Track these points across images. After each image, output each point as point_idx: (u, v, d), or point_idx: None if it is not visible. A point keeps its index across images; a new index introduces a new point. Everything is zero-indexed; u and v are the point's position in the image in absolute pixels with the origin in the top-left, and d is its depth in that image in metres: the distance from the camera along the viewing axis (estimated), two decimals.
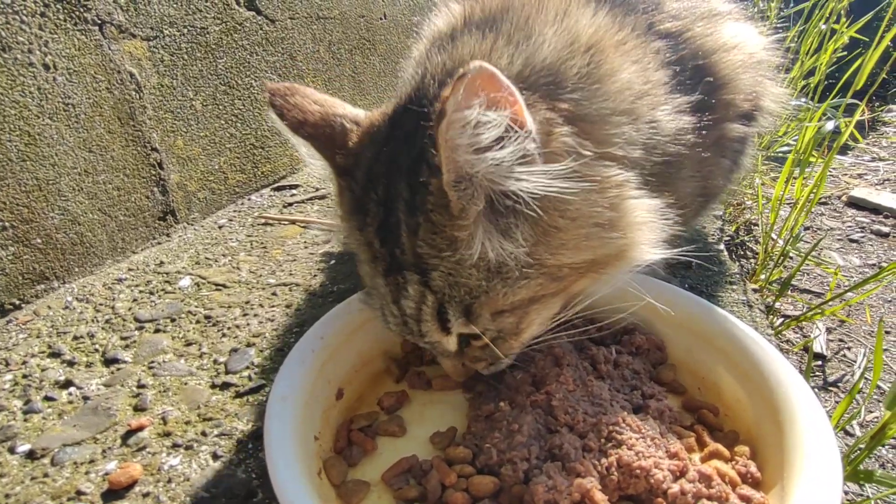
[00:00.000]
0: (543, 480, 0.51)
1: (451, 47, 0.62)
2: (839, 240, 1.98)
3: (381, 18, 1.97)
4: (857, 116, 1.40)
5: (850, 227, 2.07)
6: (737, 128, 0.75)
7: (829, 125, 1.38)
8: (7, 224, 0.91)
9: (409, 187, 0.54)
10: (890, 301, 1.65)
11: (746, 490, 0.52)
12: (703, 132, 0.67)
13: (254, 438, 0.67)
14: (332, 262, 1.10)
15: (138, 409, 0.72)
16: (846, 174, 2.41)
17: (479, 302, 0.55)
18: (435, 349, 0.62)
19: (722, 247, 1.12)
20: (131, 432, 0.68)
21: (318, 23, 1.66)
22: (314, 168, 0.63)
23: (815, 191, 1.39)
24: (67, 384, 0.76)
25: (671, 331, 0.72)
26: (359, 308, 0.71)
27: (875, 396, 1.23)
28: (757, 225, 1.87)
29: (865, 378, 1.24)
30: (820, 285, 1.67)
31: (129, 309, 0.94)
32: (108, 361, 0.81)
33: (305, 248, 1.16)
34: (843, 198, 2.27)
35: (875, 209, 2.15)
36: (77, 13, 1.01)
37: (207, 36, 1.29)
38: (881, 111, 2.81)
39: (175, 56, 1.21)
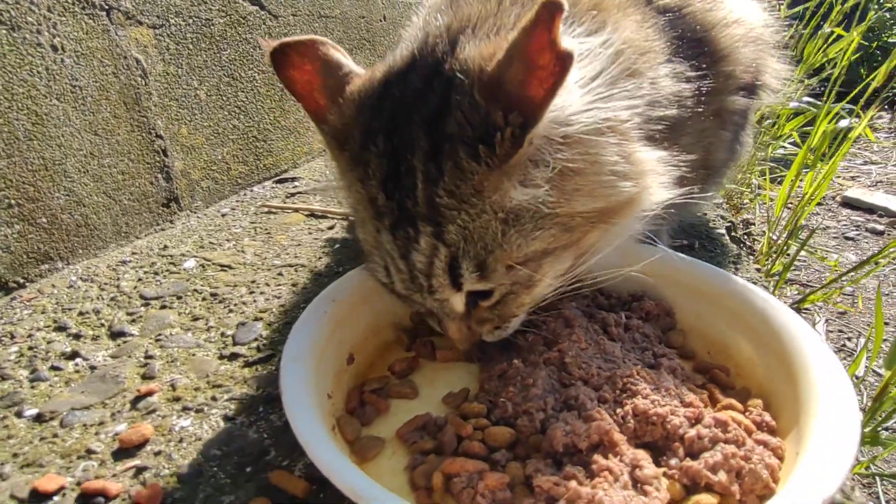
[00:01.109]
0: (561, 426, 0.51)
1: (452, 10, 0.63)
2: (835, 237, 2.01)
3: (380, 20, 2.00)
4: (863, 118, 1.44)
5: (845, 225, 2.10)
6: (737, 100, 0.77)
7: (843, 123, 1.41)
8: (13, 202, 0.91)
9: (428, 137, 0.54)
10: (887, 294, 1.67)
11: (763, 436, 0.52)
12: (703, 100, 0.68)
13: (265, 402, 0.67)
14: (337, 246, 1.10)
15: (146, 377, 0.72)
16: (839, 176, 2.45)
17: (494, 256, 0.55)
18: (442, 309, 0.60)
19: (723, 230, 1.14)
20: (140, 397, 0.67)
21: (320, 21, 1.69)
22: None
23: (819, 187, 1.42)
24: (74, 355, 0.75)
25: (679, 296, 0.73)
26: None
27: (875, 384, 1.23)
28: (754, 224, 1.90)
29: (866, 368, 1.25)
30: (818, 280, 1.69)
31: (135, 287, 0.93)
32: (115, 335, 0.80)
33: (309, 233, 1.16)
34: (838, 198, 2.30)
35: (869, 209, 2.18)
36: None
37: (212, 27, 1.30)
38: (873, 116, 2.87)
39: (180, 45, 1.22)
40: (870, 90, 1.34)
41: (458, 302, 0.59)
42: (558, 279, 0.61)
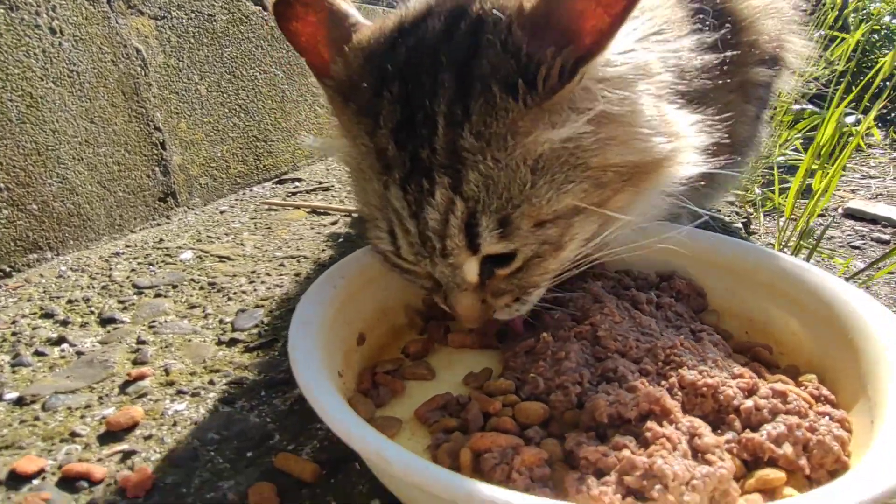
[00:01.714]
0: (603, 396, 0.46)
1: None
2: (840, 246, 1.98)
3: None
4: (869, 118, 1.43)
5: (849, 235, 2.08)
6: (761, 71, 0.75)
7: (850, 119, 1.40)
8: (2, 185, 0.86)
9: (457, 79, 0.49)
10: None
11: (825, 408, 0.47)
12: (727, 71, 0.66)
13: (267, 386, 0.61)
14: (340, 240, 1.05)
15: (138, 362, 0.66)
16: (839, 189, 2.45)
17: (520, 210, 0.49)
18: (453, 278, 0.54)
19: (740, 225, 1.10)
20: (130, 382, 0.62)
21: None
22: None
23: (829, 185, 1.40)
24: (60, 341, 0.70)
25: (711, 275, 0.68)
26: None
27: None
28: (757, 233, 1.88)
29: None
30: None
31: (128, 277, 0.88)
32: (105, 321, 0.75)
33: (311, 228, 1.11)
34: (839, 209, 2.29)
35: (872, 219, 2.17)
36: None
37: (214, 23, 1.28)
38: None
39: (182, 38, 1.20)
40: (876, 83, 1.33)
41: (471, 268, 0.53)
42: (584, 246, 0.56)
